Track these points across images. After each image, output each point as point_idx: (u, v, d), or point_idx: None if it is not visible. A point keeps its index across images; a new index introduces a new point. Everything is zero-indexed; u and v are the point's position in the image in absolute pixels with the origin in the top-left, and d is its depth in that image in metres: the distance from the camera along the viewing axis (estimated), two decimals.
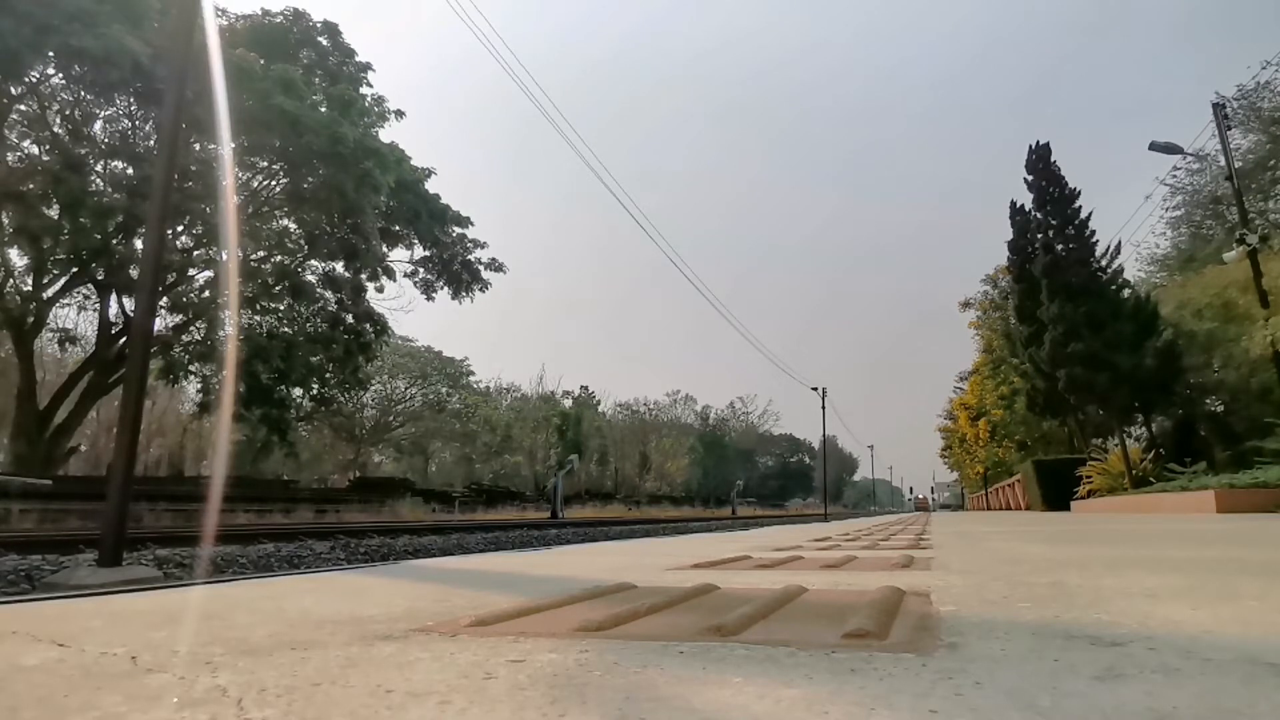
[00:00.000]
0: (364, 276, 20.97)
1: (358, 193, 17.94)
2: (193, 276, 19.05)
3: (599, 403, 59.85)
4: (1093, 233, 19.61)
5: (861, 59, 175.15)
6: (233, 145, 17.04)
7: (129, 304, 17.09)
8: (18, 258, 17.23)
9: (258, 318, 20.09)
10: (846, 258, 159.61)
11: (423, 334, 62.94)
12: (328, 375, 21.13)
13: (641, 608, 1.50)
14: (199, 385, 20.75)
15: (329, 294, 20.80)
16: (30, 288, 17.16)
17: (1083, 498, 17.94)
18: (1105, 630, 1.26)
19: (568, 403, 53.96)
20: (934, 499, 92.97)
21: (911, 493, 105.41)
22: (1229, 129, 15.59)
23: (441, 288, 23.41)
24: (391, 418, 42.26)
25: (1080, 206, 19.94)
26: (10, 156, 16.13)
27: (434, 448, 46.73)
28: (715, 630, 1.25)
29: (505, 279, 24.68)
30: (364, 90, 20.58)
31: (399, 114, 21.47)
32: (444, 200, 22.56)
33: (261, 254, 20.30)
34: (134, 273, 15.62)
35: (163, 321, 18.25)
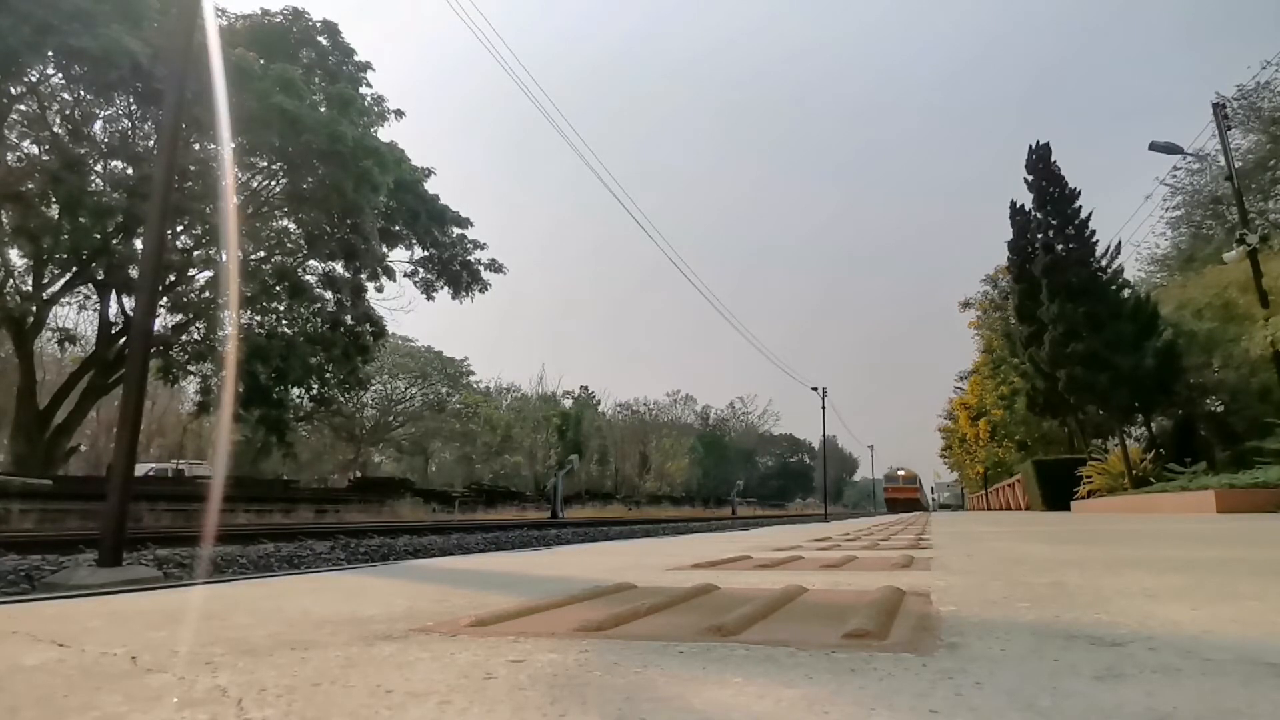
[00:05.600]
0: (364, 276, 20.98)
1: (357, 192, 17.93)
2: (193, 276, 19.05)
3: (599, 403, 59.84)
4: (1093, 233, 19.61)
5: (862, 59, 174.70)
6: (232, 145, 17.03)
7: (129, 304, 17.09)
8: (18, 257, 17.25)
9: (257, 318, 20.09)
10: (847, 258, 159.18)
11: (423, 334, 62.90)
12: (327, 375, 21.13)
13: (641, 608, 1.50)
14: (198, 385, 20.78)
15: (328, 294, 20.81)
16: (30, 287, 17.16)
17: (1083, 498, 17.94)
18: (1105, 630, 1.26)
19: (568, 403, 53.92)
20: (934, 497, 75.61)
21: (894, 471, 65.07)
22: (1229, 129, 15.59)
23: (441, 288, 23.42)
24: (391, 418, 42.24)
25: (1080, 206, 19.93)
26: (10, 156, 16.12)
27: (434, 448, 46.71)
28: (715, 630, 1.25)
29: (505, 279, 24.72)
30: (363, 90, 20.59)
31: (398, 113, 21.49)
32: (443, 200, 22.59)
33: (261, 254, 20.30)
34: (134, 273, 15.62)
35: (162, 321, 18.25)
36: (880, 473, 67.81)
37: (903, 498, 56.96)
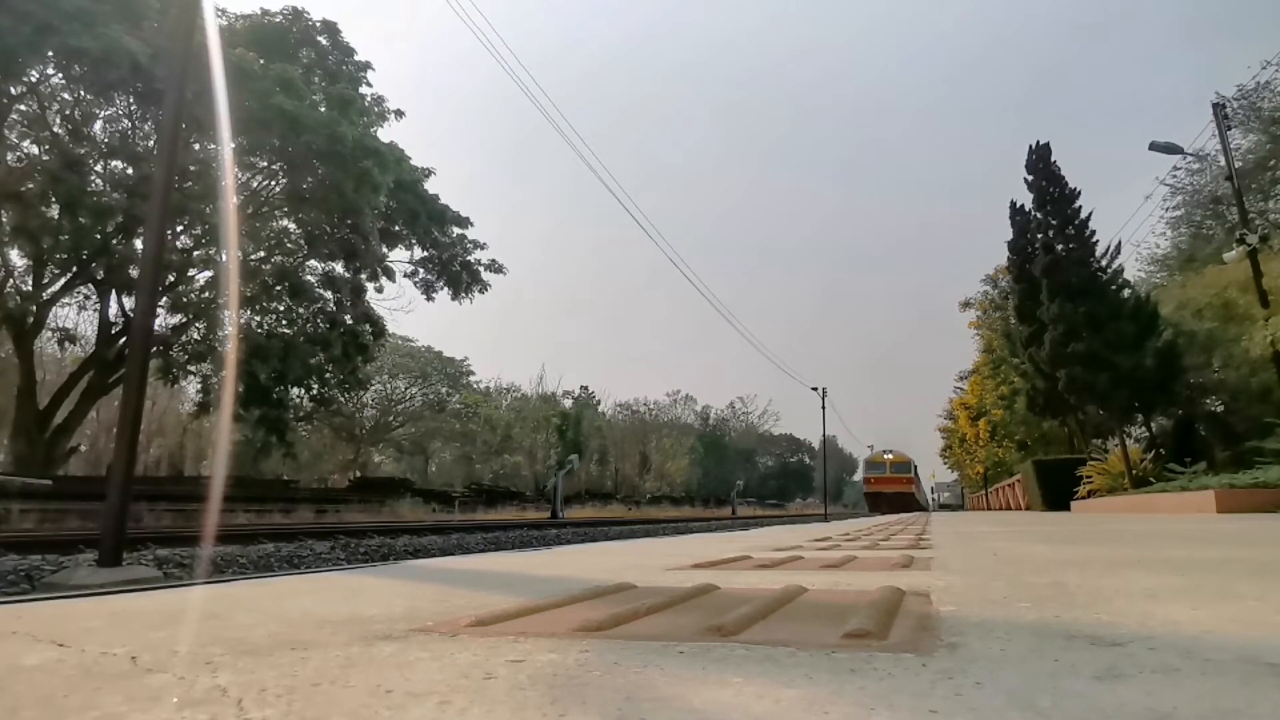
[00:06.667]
0: (363, 277, 20.97)
1: (357, 192, 17.94)
2: (193, 276, 19.05)
3: (599, 403, 59.84)
4: (1093, 233, 19.60)
5: (861, 59, 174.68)
6: (232, 145, 17.04)
7: (129, 304, 17.09)
8: (18, 257, 17.25)
9: (257, 318, 20.10)
10: (847, 258, 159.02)
11: (423, 334, 62.87)
12: (327, 375, 21.14)
13: (641, 608, 1.49)
14: (199, 385, 20.80)
15: (328, 294, 20.82)
16: (30, 287, 17.17)
17: (1083, 498, 17.93)
18: (1105, 630, 1.26)
19: (568, 403, 53.94)
20: (934, 497, 75.75)
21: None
22: (1229, 129, 15.59)
23: (441, 288, 23.42)
24: (391, 418, 42.24)
25: (1080, 206, 19.92)
26: (10, 156, 16.13)
27: (434, 448, 46.71)
28: (715, 630, 1.25)
29: (505, 279, 24.72)
30: (363, 90, 20.59)
31: (398, 113, 21.49)
32: (443, 200, 22.59)
33: (261, 254, 20.31)
34: (134, 272, 15.62)
35: (163, 321, 18.25)
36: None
37: (890, 492, 40.96)
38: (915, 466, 46.71)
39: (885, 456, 45.32)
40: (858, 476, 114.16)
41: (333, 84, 19.45)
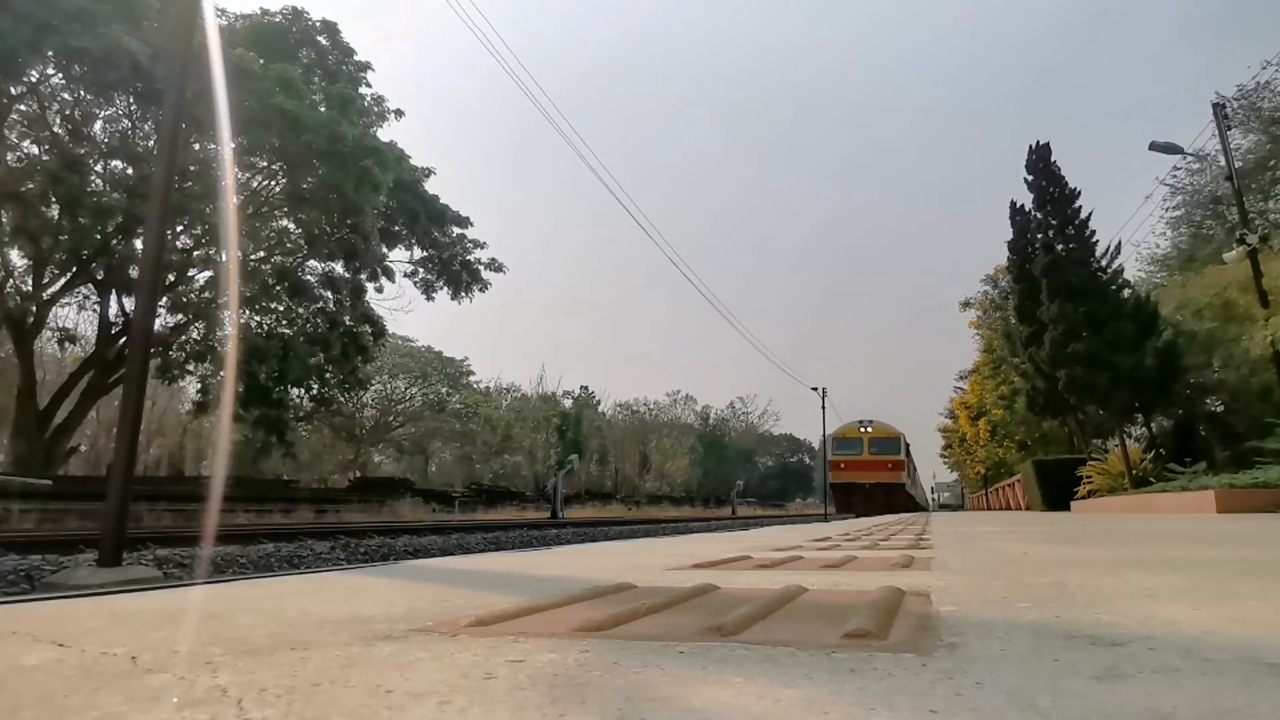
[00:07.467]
0: (363, 277, 20.99)
1: (357, 192, 17.94)
2: (193, 276, 19.06)
3: (599, 403, 59.89)
4: (1093, 233, 19.61)
5: (861, 59, 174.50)
6: (232, 145, 17.05)
7: (129, 304, 17.10)
8: (18, 257, 17.26)
9: (257, 318, 20.11)
10: (846, 258, 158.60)
11: (423, 334, 62.80)
12: (327, 375, 21.14)
13: (641, 608, 1.49)
14: (198, 385, 20.82)
15: (328, 294, 20.83)
16: (30, 287, 17.17)
17: (1083, 498, 17.93)
18: (1105, 630, 1.26)
19: (568, 403, 53.98)
20: (934, 497, 77.27)
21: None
22: (1229, 129, 15.59)
23: (441, 288, 23.43)
24: (391, 418, 42.26)
25: (1080, 206, 19.93)
26: (10, 156, 16.13)
27: (434, 448, 46.73)
28: (715, 630, 1.25)
29: (505, 279, 24.74)
30: (363, 89, 20.61)
31: (398, 113, 21.51)
32: (444, 200, 22.61)
33: (261, 254, 20.31)
34: (134, 273, 15.63)
35: (162, 321, 18.26)
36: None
37: (869, 483, 29.86)
38: (908, 445, 33.56)
39: (862, 430, 31.53)
40: None
41: (332, 84, 19.46)
